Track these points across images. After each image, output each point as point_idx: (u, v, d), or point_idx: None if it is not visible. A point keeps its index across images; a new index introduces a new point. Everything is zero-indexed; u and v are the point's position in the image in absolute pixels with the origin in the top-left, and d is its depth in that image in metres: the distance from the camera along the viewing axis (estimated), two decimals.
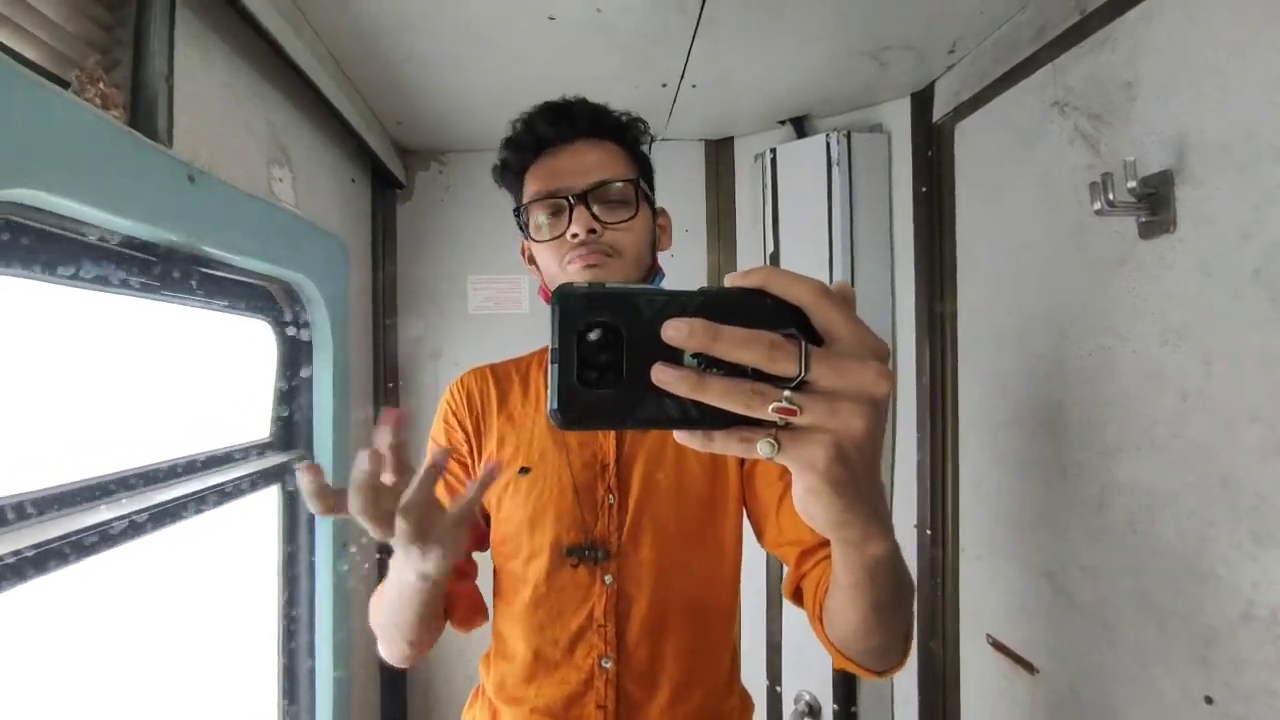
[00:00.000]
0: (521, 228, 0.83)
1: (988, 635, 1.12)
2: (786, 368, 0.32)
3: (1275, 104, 0.62)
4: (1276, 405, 0.61)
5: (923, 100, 1.28)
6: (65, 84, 0.70)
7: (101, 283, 0.74)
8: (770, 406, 0.32)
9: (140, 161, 0.72)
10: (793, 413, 0.32)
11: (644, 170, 0.84)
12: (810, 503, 0.36)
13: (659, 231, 0.85)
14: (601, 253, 0.76)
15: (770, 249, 1.44)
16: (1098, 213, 0.76)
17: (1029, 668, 1.02)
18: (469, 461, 0.85)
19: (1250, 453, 0.64)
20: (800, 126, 1.44)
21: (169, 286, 0.83)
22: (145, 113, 0.77)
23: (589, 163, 0.78)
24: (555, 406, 0.33)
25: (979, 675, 1.18)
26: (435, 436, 0.87)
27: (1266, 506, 0.62)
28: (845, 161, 1.34)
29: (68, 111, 0.63)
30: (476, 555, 0.88)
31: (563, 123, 0.79)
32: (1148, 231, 0.77)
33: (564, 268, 0.77)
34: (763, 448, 0.33)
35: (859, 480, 0.34)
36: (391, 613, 0.69)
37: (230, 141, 0.90)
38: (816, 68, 1.21)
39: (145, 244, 0.77)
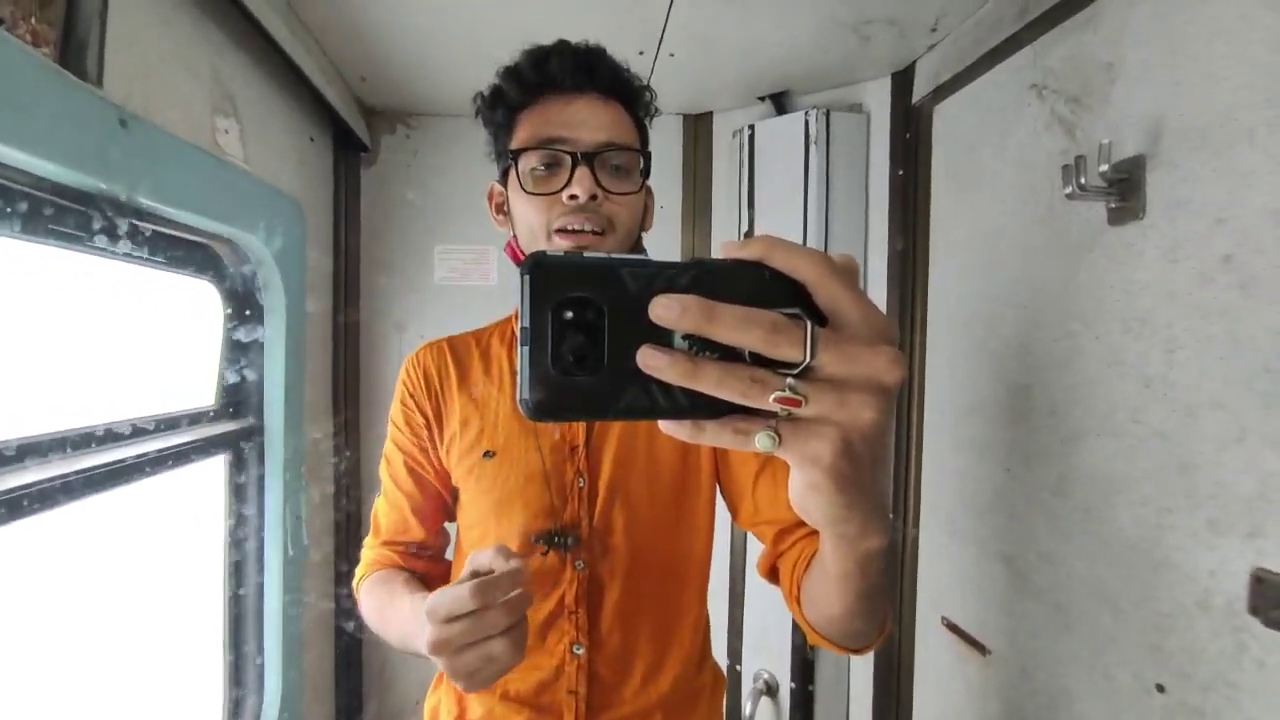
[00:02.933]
0: (502, 172, 0.76)
1: (943, 617, 1.14)
2: (790, 352, 0.28)
3: (1255, 87, 0.61)
4: (1238, 393, 0.61)
5: (903, 80, 1.26)
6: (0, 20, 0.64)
7: (25, 230, 0.68)
8: (771, 396, 0.28)
9: (67, 102, 0.67)
10: (796, 403, 0.28)
11: (645, 143, 0.78)
12: (810, 499, 0.33)
13: (646, 211, 0.79)
14: (596, 226, 0.69)
15: (745, 227, 1.42)
16: (1069, 197, 0.75)
17: (981, 649, 1.03)
18: (429, 445, 0.81)
19: (1210, 440, 0.63)
20: (780, 103, 1.41)
21: (101, 239, 0.77)
22: (75, 51, 0.71)
23: (601, 120, 0.70)
24: (526, 395, 0.28)
25: (933, 656, 1.19)
26: (394, 419, 0.83)
27: (1225, 495, 0.62)
28: (824, 140, 1.31)
29: None
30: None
31: (581, 69, 0.71)
32: (1116, 218, 0.76)
33: (550, 232, 0.69)
34: (761, 441, 0.29)
35: (864, 475, 0.31)
36: (384, 634, 0.74)
37: (169, 86, 0.84)
38: (798, 39, 1.18)
39: (76, 192, 0.71)
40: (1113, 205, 0.75)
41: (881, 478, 0.34)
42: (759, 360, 0.29)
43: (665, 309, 0.28)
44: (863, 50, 1.21)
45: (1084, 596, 0.81)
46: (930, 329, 1.21)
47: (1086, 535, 0.81)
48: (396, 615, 0.71)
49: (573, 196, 0.67)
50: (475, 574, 0.55)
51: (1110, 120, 0.78)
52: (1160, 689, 0.69)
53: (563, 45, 0.73)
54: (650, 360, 0.28)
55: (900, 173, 1.25)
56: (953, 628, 1.11)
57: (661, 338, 0.29)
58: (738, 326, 0.28)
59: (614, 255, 0.29)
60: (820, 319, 0.30)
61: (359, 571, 0.83)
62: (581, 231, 0.69)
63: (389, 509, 0.84)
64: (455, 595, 0.52)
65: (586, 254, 0.29)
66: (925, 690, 1.22)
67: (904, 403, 1.26)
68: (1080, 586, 0.82)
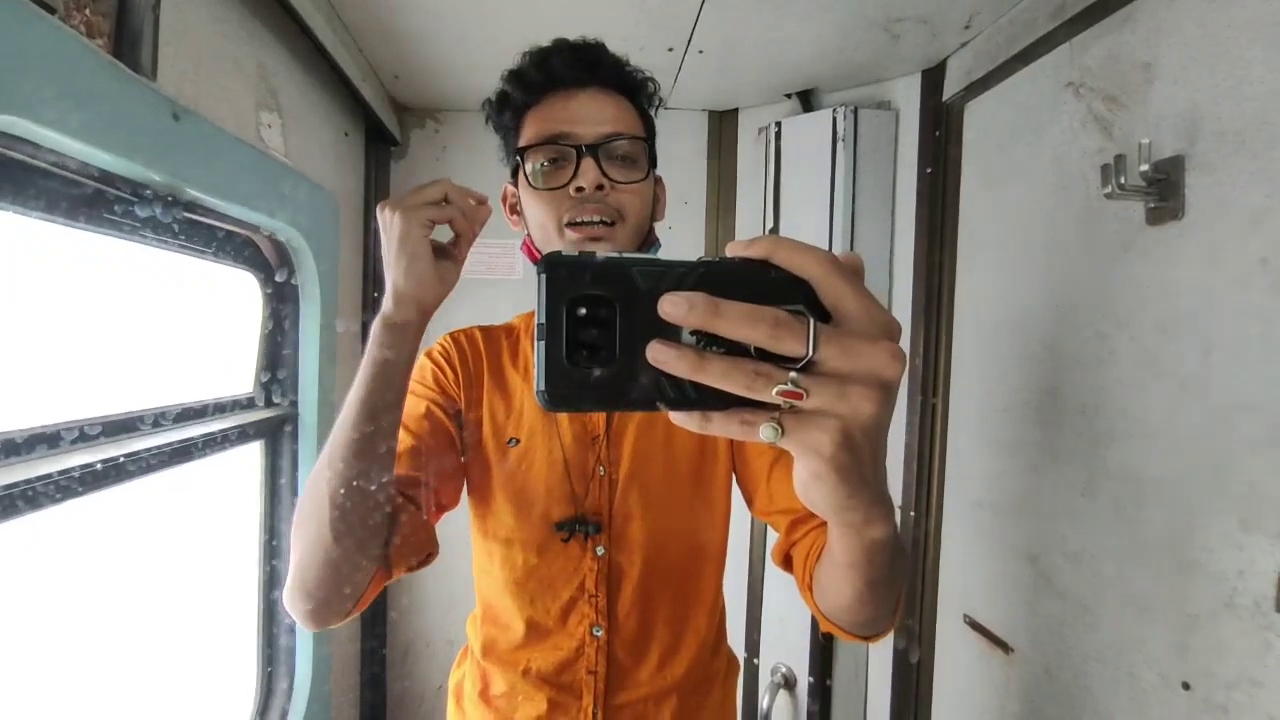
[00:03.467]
0: (512, 172, 0.78)
1: (965, 615, 1.14)
2: (793, 347, 0.29)
3: None
4: (1273, 394, 0.61)
5: (934, 78, 1.25)
6: (51, 9, 0.66)
7: (80, 219, 0.71)
8: (774, 389, 0.29)
9: (123, 94, 0.69)
10: (798, 396, 0.30)
11: (650, 133, 0.80)
12: (813, 488, 0.34)
13: (656, 201, 0.80)
14: (605, 216, 0.70)
15: (770, 225, 1.42)
16: (1108, 196, 0.74)
17: (1004, 647, 1.04)
18: (451, 404, 0.78)
19: (1244, 442, 0.64)
20: (807, 101, 1.41)
21: (150, 228, 0.80)
22: (129, 43, 0.73)
23: (603, 113, 0.72)
24: (542, 387, 0.30)
25: (954, 653, 1.19)
26: (422, 379, 0.79)
27: (1257, 495, 0.62)
28: (851, 138, 1.31)
29: (53, 37, 0.60)
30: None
31: (581, 65, 0.72)
32: (1155, 218, 0.76)
33: (561, 226, 0.71)
34: (765, 432, 0.31)
35: (864, 466, 0.32)
36: (334, 445, 0.60)
37: (217, 80, 0.87)
38: (827, 37, 1.18)
39: (126, 182, 0.74)
40: (1152, 205, 0.75)
41: (882, 468, 0.36)
42: (764, 355, 0.30)
43: (673, 305, 0.29)
44: (892, 48, 1.21)
45: (1111, 596, 0.82)
46: (957, 327, 1.21)
47: (1115, 536, 0.81)
48: (333, 432, 0.62)
49: (579, 189, 0.69)
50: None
51: (1148, 120, 0.78)
52: (1186, 687, 0.70)
53: (562, 43, 0.74)
54: (659, 354, 0.30)
55: (929, 171, 1.25)
56: (975, 625, 1.11)
57: (670, 333, 0.30)
58: (742, 322, 0.29)
59: (625, 255, 0.31)
60: (824, 315, 0.31)
61: None
62: (591, 223, 0.70)
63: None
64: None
65: (599, 254, 0.31)
66: (945, 686, 1.23)
67: (929, 401, 1.26)
68: (1107, 586, 0.82)
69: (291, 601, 0.64)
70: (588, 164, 0.69)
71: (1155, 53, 0.77)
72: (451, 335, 0.84)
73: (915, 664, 1.28)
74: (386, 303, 0.62)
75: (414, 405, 0.77)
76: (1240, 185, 0.65)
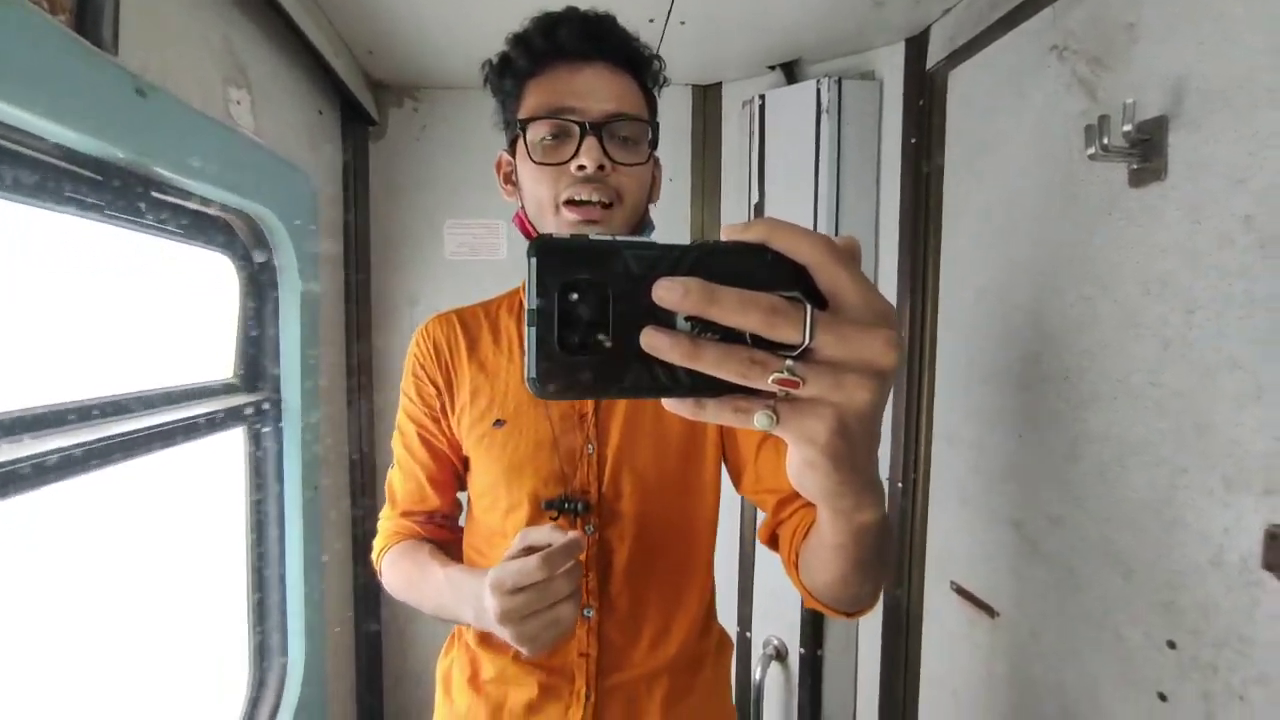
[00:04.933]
0: (510, 141, 0.76)
1: (951, 582, 1.15)
2: (789, 335, 0.29)
3: (1275, 49, 0.60)
4: (1257, 352, 0.61)
5: (917, 46, 1.24)
6: None
7: (46, 198, 0.69)
8: (770, 377, 0.29)
9: (87, 70, 0.67)
10: (794, 385, 0.29)
11: (653, 113, 0.78)
12: (807, 476, 0.34)
13: (653, 182, 0.79)
14: (604, 197, 0.69)
15: (755, 199, 1.41)
16: (1091, 158, 0.74)
17: (990, 612, 1.05)
18: (440, 415, 0.82)
19: (1228, 399, 0.64)
20: (791, 72, 1.40)
21: (119, 209, 0.78)
22: (92, 18, 0.71)
23: (610, 89, 0.70)
24: (533, 374, 0.29)
25: (941, 620, 1.21)
26: (406, 391, 0.84)
27: (1241, 452, 0.63)
28: (835, 109, 1.30)
29: (14, 12, 0.57)
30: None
31: (589, 37, 0.70)
32: (1137, 179, 0.76)
33: (558, 203, 0.70)
34: (759, 419, 0.30)
35: (858, 454, 0.32)
36: (416, 603, 0.77)
37: (183, 55, 0.84)
38: (810, 6, 1.16)
39: (93, 161, 0.72)
40: (1135, 166, 0.75)
41: (874, 453, 0.36)
42: (759, 341, 0.29)
43: (667, 291, 0.29)
44: (875, 16, 1.19)
45: (1095, 558, 0.83)
46: (943, 297, 1.21)
47: (1098, 498, 0.82)
48: (430, 586, 0.74)
49: (581, 167, 0.67)
50: (530, 549, 0.59)
51: (1132, 81, 0.77)
52: (1171, 645, 0.71)
53: (572, 12, 0.72)
54: (652, 341, 0.29)
55: (914, 140, 1.24)
56: (961, 591, 1.13)
57: (664, 319, 0.29)
58: (737, 309, 0.29)
59: (618, 238, 0.30)
60: (821, 301, 0.30)
61: (378, 544, 0.85)
62: (589, 203, 0.69)
63: (404, 479, 0.85)
64: (522, 568, 0.57)
65: (592, 236, 0.30)
66: (932, 652, 1.25)
67: (915, 372, 1.26)
68: (1091, 549, 0.83)
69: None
70: (590, 143, 0.67)
71: (1139, 12, 0.76)
72: (426, 329, 0.84)
73: (904, 632, 1.29)
74: (485, 618, 0.61)
75: (409, 431, 0.84)
76: (1224, 144, 0.65)
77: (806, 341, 0.29)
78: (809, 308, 0.29)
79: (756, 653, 1.49)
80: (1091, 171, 0.82)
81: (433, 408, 0.82)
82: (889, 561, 0.59)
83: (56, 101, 0.62)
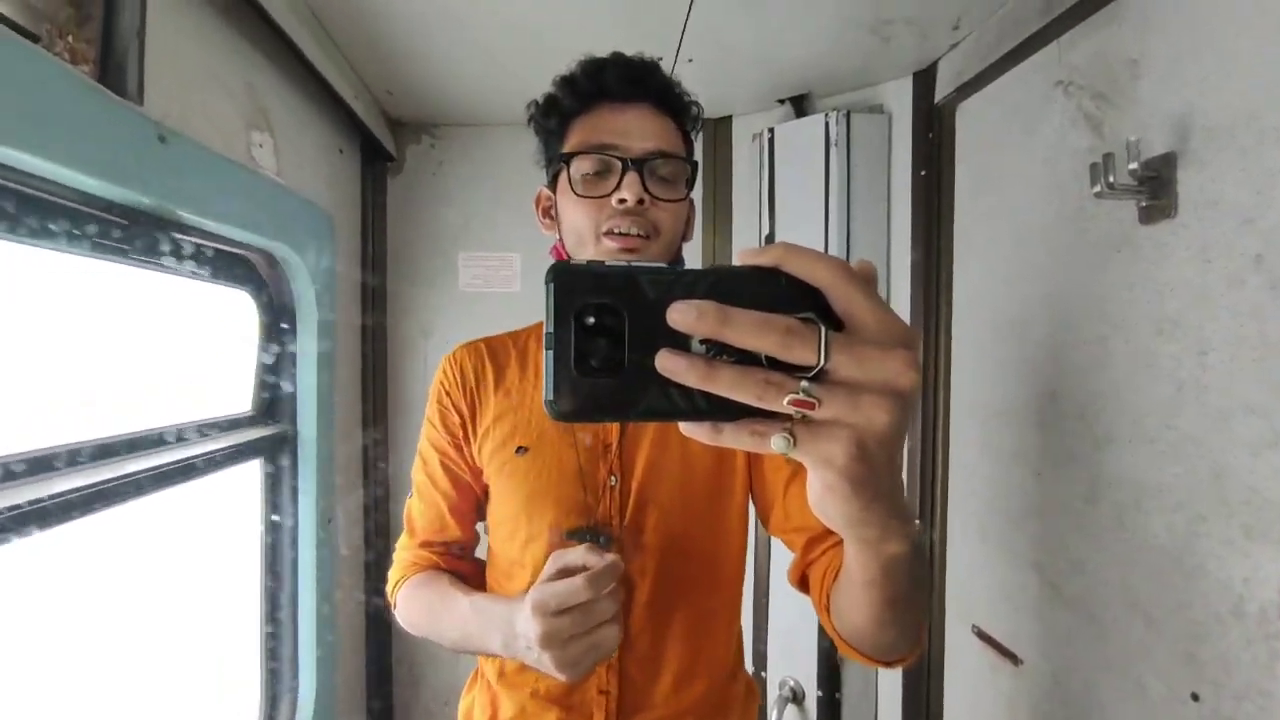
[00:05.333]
0: (551, 176, 0.78)
1: (973, 626, 1.11)
2: (804, 356, 0.29)
3: None
4: (1272, 397, 0.59)
5: (925, 80, 1.24)
6: (35, 38, 0.67)
7: (72, 244, 0.72)
8: (785, 398, 0.29)
9: (109, 119, 0.70)
10: (810, 406, 0.29)
11: (690, 154, 0.80)
12: (827, 500, 0.33)
13: (687, 222, 0.80)
14: (642, 230, 0.71)
15: (766, 231, 1.41)
16: (1097, 195, 0.73)
17: (1013, 659, 1.01)
18: (464, 442, 0.82)
19: (1244, 445, 0.62)
20: (800, 106, 1.41)
21: (142, 251, 0.81)
22: (115, 69, 0.75)
23: (651, 129, 0.72)
24: (551, 397, 0.30)
25: (963, 665, 1.17)
26: (430, 418, 0.84)
27: (1259, 500, 0.60)
28: (844, 142, 1.31)
29: (35, 65, 0.61)
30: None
31: (634, 80, 0.73)
32: (1148, 216, 0.75)
33: (599, 234, 0.71)
34: (776, 443, 0.30)
35: (880, 478, 0.31)
36: (435, 635, 0.76)
37: (206, 102, 0.88)
38: (817, 42, 1.18)
39: (115, 205, 0.75)
40: (1143, 204, 0.74)
41: (898, 480, 0.34)
42: (775, 364, 0.29)
43: (682, 314, 0.29)
44: (883, 51, 1.20)
45: (1117, 605, 0.79)
46: (956, 331, 1.19)
47: (1118, 542, 0.79)
48: (453, 616, 0.73)
49: (621, 200, 0.69)
50: (566, 570, 0.59)
51: (1138, 117, 0.76)
52: (1195, 698, 0.67)
53: (618, 56, 0.75)
54: (668, 364, 0.29)
55: (923, 173, 1.24)
56: (983, 636, 1.09)
57: (680, 342, 0.29)
58: (752, 331, 0.29)
59: (633, 264, 0.30)
60: (837, 324, 0.30)
61: (394, 575, 0.84)
62: (628, 234, 0.70)
63: (424, 508, 0.84)
64: (568, 588, 0.56)
65: (608, 262, 0.30)
66: (955, 699, 1.20)
67: (930, 407, 1.24)
68: (1113, 595, 0.80)
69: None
70: (632, 178, 0.69)
71: (1143, 48, 0.76)
72: (453, 356, 0.84)
73: (925, 677, 1.25)
74: (519, 642, 0.61)
75: (432, 459, 0.84)
76: (1231, 182, 0.64)
77: (822, 362, 0.29)
78: (823, 329, 0.29)
79: (772, 694, 1.45)
80: (1101, 208, 0.81)
81: (456, 435, 0.82)
82: (924, 603, 0.57)
83: (80, 151, 0.65)
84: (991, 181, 1.08)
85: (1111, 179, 0.71)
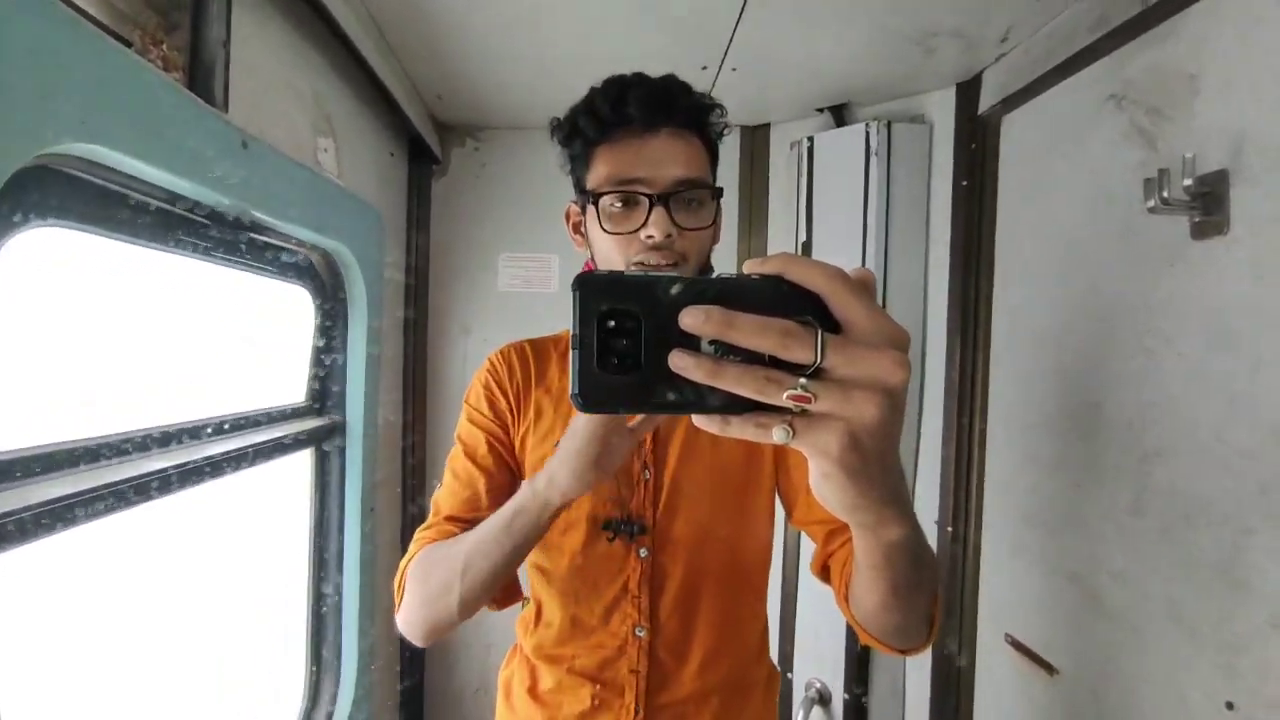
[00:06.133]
0: (577, 190, 0.79)
1: (1007, 634, 1.12)
2: (801, 354, 0.32)
3: None
4: None
5: (968, 91, 1.25)
6: (128, 44, 0.71)
7: (156, 241, 0.76)
8: (785, 393, 0.32)
9: (199, 125, 0.74)
10: (806, 399, 0.32)
11: (716, 163, 0.80)
12: (824, 487, 0.37)
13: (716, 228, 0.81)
14: (671, 260, 0.71)
15: (803, 239, 1.43)
16: (1151, 210, 0.74)
17: (1048, 669, 1.02)
18: (510, 430, 0.84)
19: None
20: (839, 115, 1.42)
21: (217, 249, 0.85)
22: (203, 77, 0.79)
23: (676, 156, 0.72)
24: (576, 391, 0.33)
25: (995, 673, 1.17)
26: (475, 405, 0.86)
27: None
28: (884, 152, 1.32)
29: (133, 71, 0.64)
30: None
31: (656, 106, 0.72)
32: (1200, 232, 0.75)
33: (629, 266, 0.72)
34: (777, 433, 0.33)
35: (872, 467, 0.35)
36: (473, 557, 0.69)
37: (280, 109, 0.92)
38: (860, 53, 1.19)
39: (198, 205, 0.79)
40: (1196, 219, 0.75)
41: (893, 469, 0.38)
42: (777, 363, 0.32)
43: (692, 317, 0.32)
44: (926, 62, 1.21)
45: (1159, 617, 0.80)
46: (995, 342, 1.20)
47: (1162, 555, 0.80)
48: (474, 534, 0.71)
49: (650, 237, 0.70)
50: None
51: (1192, 133, 0.77)
52: (1230, 706, 0.68)
53: (639, 79, 0.75)
54: (679, 362, 0.33)
55: (965, 184, 1.25)
56: (1017, 645, 1.09)
57: (691, 343, 0.33)
58: (755, 332, 0.32)
59: (650, 273, 0.34)
60: (836, 327, 0.33)
61: (413, 550, 0.80)
62: (658, 268, 0.72)
63: (459, 488, 0.83)
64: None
65: (627, 273, 0.34)
66: (985, 706, 1.20)
67: (966, 416, 1.24)
68: (1155, 606, 0.81)
69: (407, 630, 0.77)
70: (659, 214, 0.70)
71: (1200, 65, 0.76)
72: (502, 352, 0.87)
73: (955, 682, 1.26)
74: (555, 490, 0.63)
75: (476, 439, 0.83)
76: None
77: (818, 361, 0.32)
78: (819, 330, 0.32)
79: (798, 695, 1.46)
80: (1152, 222, 0.81)
81: (504, 421, 0.84)
82: (930, 590, 0.59)
83: (174, 155, 0.69)
84: (1036, 193, 1.09)
85: (1166, 194, 0.72)
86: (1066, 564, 0.98)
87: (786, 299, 0.33)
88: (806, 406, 0.32)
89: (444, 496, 0.84)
